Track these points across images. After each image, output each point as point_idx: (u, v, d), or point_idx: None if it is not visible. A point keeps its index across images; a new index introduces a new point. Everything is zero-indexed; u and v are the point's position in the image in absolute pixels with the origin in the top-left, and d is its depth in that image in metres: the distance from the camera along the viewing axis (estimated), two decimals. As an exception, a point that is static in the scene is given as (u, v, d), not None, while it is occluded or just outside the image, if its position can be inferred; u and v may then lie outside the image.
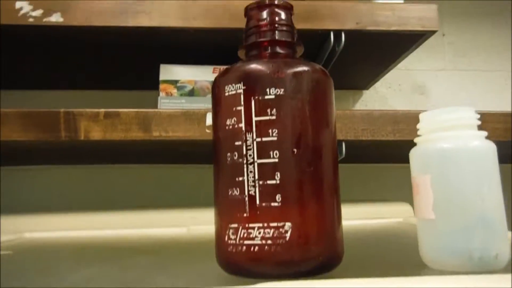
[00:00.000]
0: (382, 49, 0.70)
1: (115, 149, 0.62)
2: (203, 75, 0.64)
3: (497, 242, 0.26)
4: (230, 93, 0.28)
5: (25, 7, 0.54)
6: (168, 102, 0.63)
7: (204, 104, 0.63)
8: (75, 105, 0.81)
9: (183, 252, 0.43)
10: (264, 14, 0.30)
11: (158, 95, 0.63)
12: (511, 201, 0.83)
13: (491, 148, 0.28)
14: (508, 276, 0.24)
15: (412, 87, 0.94)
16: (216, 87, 0.29)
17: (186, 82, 0.64)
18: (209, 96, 0.64)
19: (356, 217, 0.61)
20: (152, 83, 0.65)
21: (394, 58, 0.74)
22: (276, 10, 0.31)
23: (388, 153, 0.75)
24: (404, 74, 0.93)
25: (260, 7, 0.31)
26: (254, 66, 0.28)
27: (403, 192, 0.73)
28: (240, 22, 0.60)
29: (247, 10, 0.31)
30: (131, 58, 0.71)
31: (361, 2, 0.62)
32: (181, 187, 0.84)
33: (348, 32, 0.62)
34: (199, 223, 0.61)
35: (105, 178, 0.83)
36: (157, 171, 0.84)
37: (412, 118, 0.59)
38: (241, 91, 0.28)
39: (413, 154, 0.30)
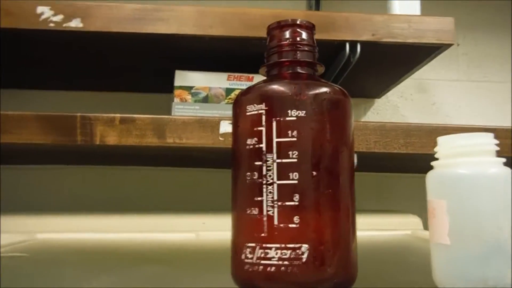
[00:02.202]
0: (397, 60, 0.70)
1: (129, 153, 0.63)
2: (217, 82, 0.65)
3: (512, 270, 0.26)
4: (251, 112, 0.28)
5: (46, 12, 0.55)
6: (182, 108, 0.63)
7: (218, 111, 0.64)
8: (92, 107, 0.83)
9: (193, 262, 0.44)
10: (287, 34, 0.31)
11: (172, 100, 0.64)
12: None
13: (509, 175, 0.28)
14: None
15: (424, 97, 0.94)
16: (238, 106, 0.30)
17: (201, 89, 0.64)
18: (223, 103, 0.64)
19: (365, 228, 0.61)
20: (167, 87, 0.66)
21: (408, 69, 0.74)
22: (298, 30, 0.31)
23: (399, 164, 0.75)
24: (416, 84, 0.93)
25: (282, 26, 0.31)
26: (276, 87, 0.29)
27: (412, 202, 0.74)
28: (254, 31, 0.61)
29: (269, 30, 0.31)
30: (148, 64, 0.71)
31: (377, 14, 0.62)
32: (192, 191, 0.84)
33: (364, 43, 0.62)
34: (208, 229, 0.62)
35: (117, 179, 0.84)
36: (169, 174, 0.84)
37: (424, 131, 0.59)
38: (263, 111, 0.28)
39: (430, 177, 0.30)
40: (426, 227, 0.65)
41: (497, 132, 0.58)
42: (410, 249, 0.53)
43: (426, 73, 0.92)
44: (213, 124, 0.56)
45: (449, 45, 0.63)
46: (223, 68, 0.65)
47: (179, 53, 0.66)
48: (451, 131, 0.59)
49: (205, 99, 0.64)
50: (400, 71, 0.76)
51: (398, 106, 0.93)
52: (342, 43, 0.62)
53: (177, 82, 0.64)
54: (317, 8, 0.91)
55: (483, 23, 0.96)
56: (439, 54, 0.66)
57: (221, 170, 0.79)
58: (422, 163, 0.63)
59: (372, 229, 0.62)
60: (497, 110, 0.93)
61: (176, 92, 0.64)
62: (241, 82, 0.65)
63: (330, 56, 0.67)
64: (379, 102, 0.93)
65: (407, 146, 0.59)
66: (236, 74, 0.65)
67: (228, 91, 0.65)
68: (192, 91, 0.64)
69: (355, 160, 0.61)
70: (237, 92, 0.65)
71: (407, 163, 0.71)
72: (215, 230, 0.60)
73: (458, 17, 0.65)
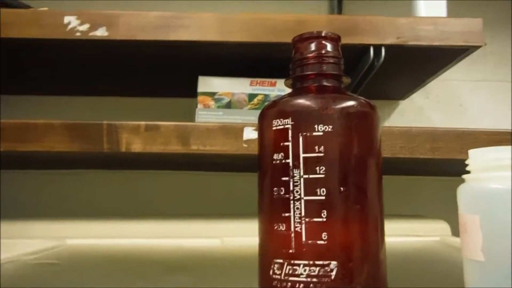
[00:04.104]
0: (423, 63, 0.69)
1: (153, 159, 0.64)
2: (240, 87, 0.65)
3: (549, 289, 0.25)
4: (277, 127, 0.28)
5: (73, 22, 0.56)
6: (206, 114, 0.64)
7: (241, 116, 0.64)
8: (117, 112, 0.84)
9: (221, 270, 0.44)
10: (312, 46, 0.30)
11: (196, 105, 0.64)
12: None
13: (544, 190, 0.27)
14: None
15: (450, 98, 0.92)
16: (264, 119, 0.30)
17: (224, 95, 0.65)
18: (246, 108, 0.64)
19: (392, 234, 0.60)
20: (190, 92, 0.67)
21: (434, 71, 0.73)
22: (324, 42, 0.31)
23: (426, 168, 0.74)
24: (442, 84, 0.91)
25: (307, 39, 0.31)
26: (302, 101, 0.29)
27: (439, 205, 0.72)
28: (276, 36, 0.61)
29: (294, 42, 0.31)
30: (171, 70, 0.72)
31: (402, 17, 0.61)
32: (218, 195, 0.85)
33: (388, 47, 0.61)
34: (233, 235, 0.62)
35: (141, 184, 0.85)
36: (194, 178, 0.85)
37: (451, 136, 0.57)
38: (289, 126, 0.28)
39: (461, 191, 0.29)
40: (454, 233, 0.64)
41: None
42: (440, 256, 0.52)
43: (451, 73, 0.89)
44: (237, 131, 0.56)
45: (477, 47, 0.61)
46: (245, 74, 0.65)
47: (202, 59, 0.67)
48: (479, 135, 0.57)
49: (228, 105, 0.64)
50: (425, 73, 0.74)
51: (423, 108, 0.92)
52: (366, 47, 0.62)
53: (200, 88, 0.65)
54: (339, 8, 0.90)
55: (510, 21, 0.93)
56: (466, 56, 0.65)
57: (245, 174, 0.79)
58: (449, 167, 0.61)
59: (399, 235, 0.61)
60: (527, 110, 0.91)
61: (200, 98, 0.64)
62: (263, 87, 0.65)
63: (354, 60, 0.66)
64: (403, 104, 0.91)
65: (433, 151, 0.57)
66: (259, 79, 0.65)
67: (251, 96, 0.65)
68: (215, 97, 0.64)
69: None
70: (260, 97, 0.65)
71: (433, 167, 0.70)
72: (239, 235, 0.60)
73: (485, 15, 0.64)
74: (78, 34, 0.56)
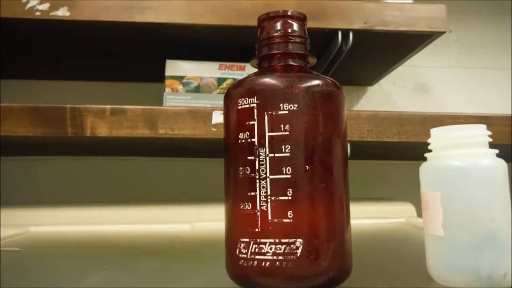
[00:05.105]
0: (389, 48, 0.70)
1: (120, 144, 0.63)
2: (209, 71, 0.64)
3: (505, 261, 0.26)
4: (243, 106, 0.28)
5: (32, 1, 0.54)
6: (174, 99, 0.63)
7: (210, 101, 0.63)
8: (82, 97, 0.82)
9: (190, 254, 0.43)
10: (278, 25, 0.30)
11: (164, 90, 0.63)
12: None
13: (502, 167, 0.28)
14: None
15: (417, 84, 0.94)
16: (229, 99, 0.29)
17: (192, 79, 0.64)
18: (215, 93, 0.64)
19: (358, 216, 0.62)
20: (157, 77, 0.65)
21: (400, 57, 0.74)
22: (289, 21, 0.30)
23: (393, 152, 0.75)
24: (409, 71, 0.93)
25: (273, 18, 0.30)
26: (268, 80, 0.28)
27: (405, 189, 0.74)
28: (246, 20, 0.60)
29: (260, 21, 0.31)
30: (138, 53, 0.70)
31: (369, 2, 0.62)
32: (186, 181, 0.84)
33: (356, 32, 0.62)
34: (203, 220, 0.61)
35: (109, 170, 0.83)
36: (163, 164, 0.84)
37: (417, 120, 0.59)
38: (254, 105, 0.27)
39: (424, 169, 0.30)
40: (419, 214, 0.66)
41: (491, 120, 0.59)
42: (404, 237, 0.53)
43: (418, 60, 0.91)
44: (205, 115, 0.55)
45: (441, 33, 0.63)
46: (214, 58, 0.65)
47: (170, 43, 0.65)
48: (444, 119, 0.59)
49: (197, 89, 0.64)
50: (392, 58, 0.75)
51: (390, 94, 0.93)
52: (334, 32, 0.62)
53: (168, 72, 0.63)
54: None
55: (474, 9, 0.95)
56: (431, 42, 0.66)
57: (214, 160, 0.79)
58: (415, 150, 0.63)
59: (366, 217, 0.62)
60: (489, 96, 0.94)
61: (167, 82, 0.63)
62: (232, 72, 0.65)
63: (322, 45, 0.66)
64: (371, 90, 0.92)
65: (400, 135, 0.59)
66: (228, 63, 0.65)
67: (220, 80, 0.64)
68: (184, 81, 0.63)
69: (348, 150, 0.61)
70: (229, 81, 0.64)
71: (400, 151, 0.71)
72: (209, 220, 0.60)
73: (450, 3, 0.65)
74: (38, 13, 0.54)
